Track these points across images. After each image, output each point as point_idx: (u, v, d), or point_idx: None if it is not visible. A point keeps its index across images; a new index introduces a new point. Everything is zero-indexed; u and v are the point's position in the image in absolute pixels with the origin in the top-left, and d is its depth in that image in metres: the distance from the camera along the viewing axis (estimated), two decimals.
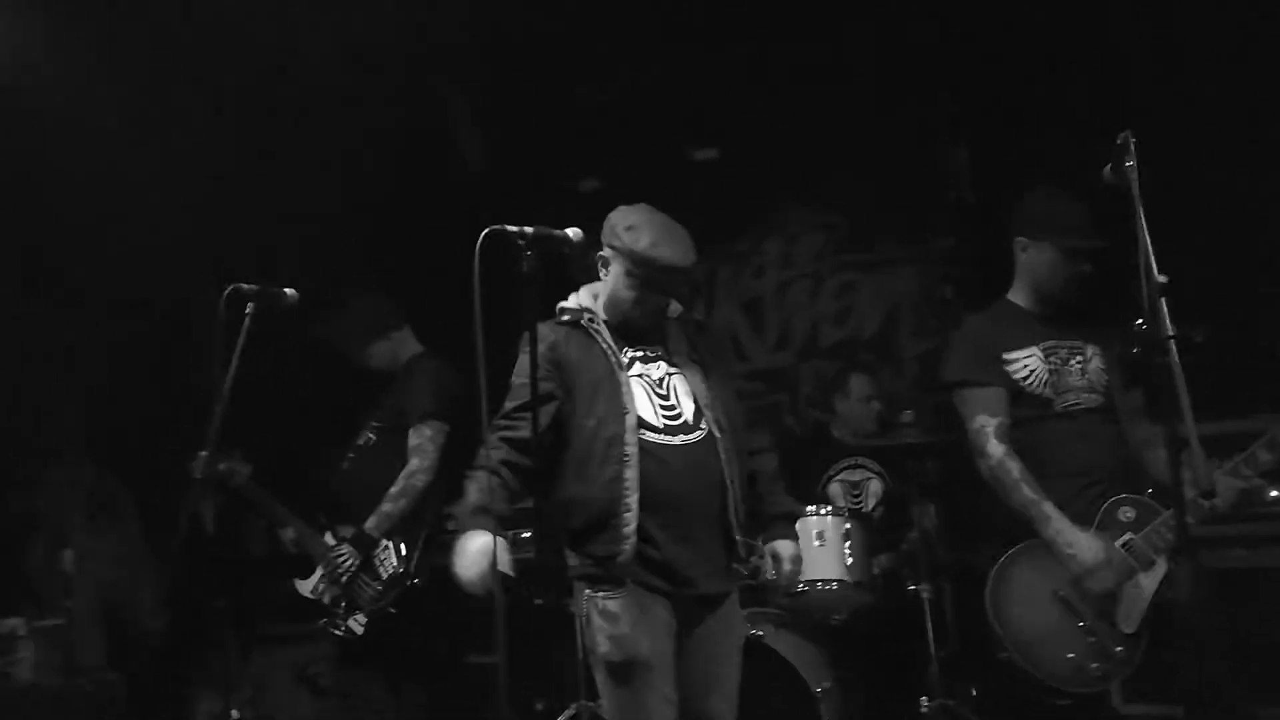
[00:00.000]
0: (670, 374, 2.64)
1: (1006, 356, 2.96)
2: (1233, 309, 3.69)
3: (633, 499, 2.44)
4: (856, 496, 4.16)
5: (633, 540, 2.44)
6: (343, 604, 3.64)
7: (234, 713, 3.84)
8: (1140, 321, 2.13)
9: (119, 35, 4.35)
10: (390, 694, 3.60)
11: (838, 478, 4.22)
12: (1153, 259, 2.18)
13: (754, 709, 3.27)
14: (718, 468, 2.53)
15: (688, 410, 2.59)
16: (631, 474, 2.44)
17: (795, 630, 3.52)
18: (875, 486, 4.16)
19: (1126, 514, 2.78)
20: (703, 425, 2.57)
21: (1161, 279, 2.16)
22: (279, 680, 4.51)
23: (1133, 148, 2.28)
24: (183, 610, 4.70)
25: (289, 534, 3.77)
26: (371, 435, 3.86)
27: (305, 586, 3.76)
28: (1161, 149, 2.51)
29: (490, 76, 5.19)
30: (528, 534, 4.06)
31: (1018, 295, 3.08)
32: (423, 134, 5.37)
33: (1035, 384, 2.93)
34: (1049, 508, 2.79)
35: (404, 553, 3.62)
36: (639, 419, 2.50)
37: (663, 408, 2.57)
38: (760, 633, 3.38)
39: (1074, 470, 2.86)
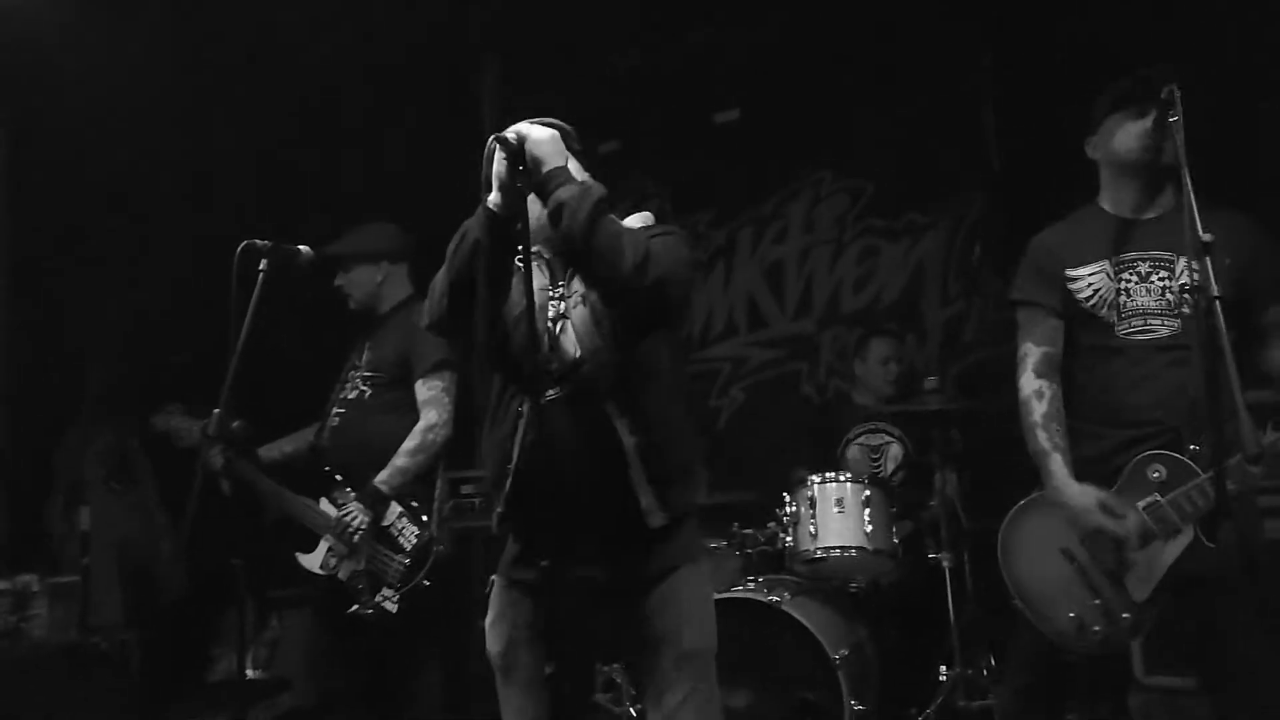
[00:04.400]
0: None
1: (1070, 274, 2.62)
2: None
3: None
4: (876, 461, 4.11)
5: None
6: (361, 581, 3.35)
7: (249, 671, 3.83)
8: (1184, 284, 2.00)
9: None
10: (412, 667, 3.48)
11: (856, 440, 4.17)
12: (1198, 217, 2.09)
13: (773, 675, 3.28)
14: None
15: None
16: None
17: (814, 596, 3.48)
18: (895, 451, 4.11)
19: (1156, 473, 2.46)
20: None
21: (1207, 237, 2.07)
22: (295, 640, 4.49)
23: (1179, 101, 2.18)
24: (199, 569, 4.71)
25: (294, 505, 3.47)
26: (365, 387, 3.54)
27: (312, 560, 3.45)
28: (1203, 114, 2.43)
29: (516, 40, 5.14)
30: None
31: (1104, 198, 2.70)
32: (446, 96, 5.32)
33: (1098, 305, 2.57)
34: (1055, 462, 2.54)
35: (424, 518, 3.39)
36: None
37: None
38: (778, 599, 3.34)
39: (1122, 420, 2.53)
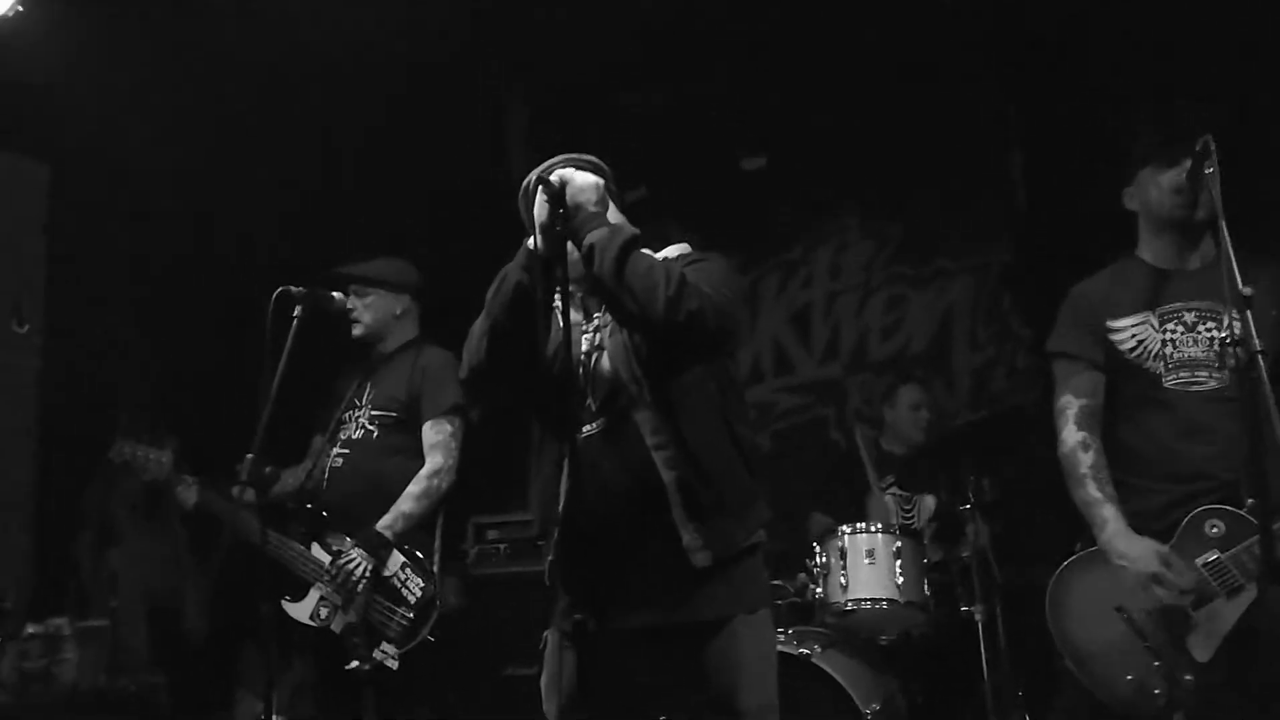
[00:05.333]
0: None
1: (1112, 324, 2.56)
2: None
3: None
4: (908, 512, 4.08)
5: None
6: (357, 634, 3.11)
7: (275, 716, 3.80)
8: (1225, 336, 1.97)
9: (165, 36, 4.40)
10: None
11: (889, 490, 4.13)
12: (1236, 269, 2.08)
13: None
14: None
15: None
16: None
17: (844, 649, 3.43)
18: (929, 502, 4.07)
19: (1214, 528, 2.38)
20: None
21: (1247, 291, 2.05)
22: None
23: (1214, 153, 2.18)
24: (226, 612, 4.71)
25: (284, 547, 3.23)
26: (371, 427, 3.36)
27: (300, 610, 3.18)
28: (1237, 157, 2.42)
29: (540, 86, 5.19)
30: None
31: (1143, 249, 2.65)
32: (473, 143, 5.38)
33: (1143, 356, 2.51)
34: (1109, 510, 2.45)
35: (426, 569, 3.22)
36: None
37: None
38: (808, 651, 3.30)
39: (1178, 475, 2.45)
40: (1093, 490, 2.50)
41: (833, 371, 5.39)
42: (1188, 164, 2.41)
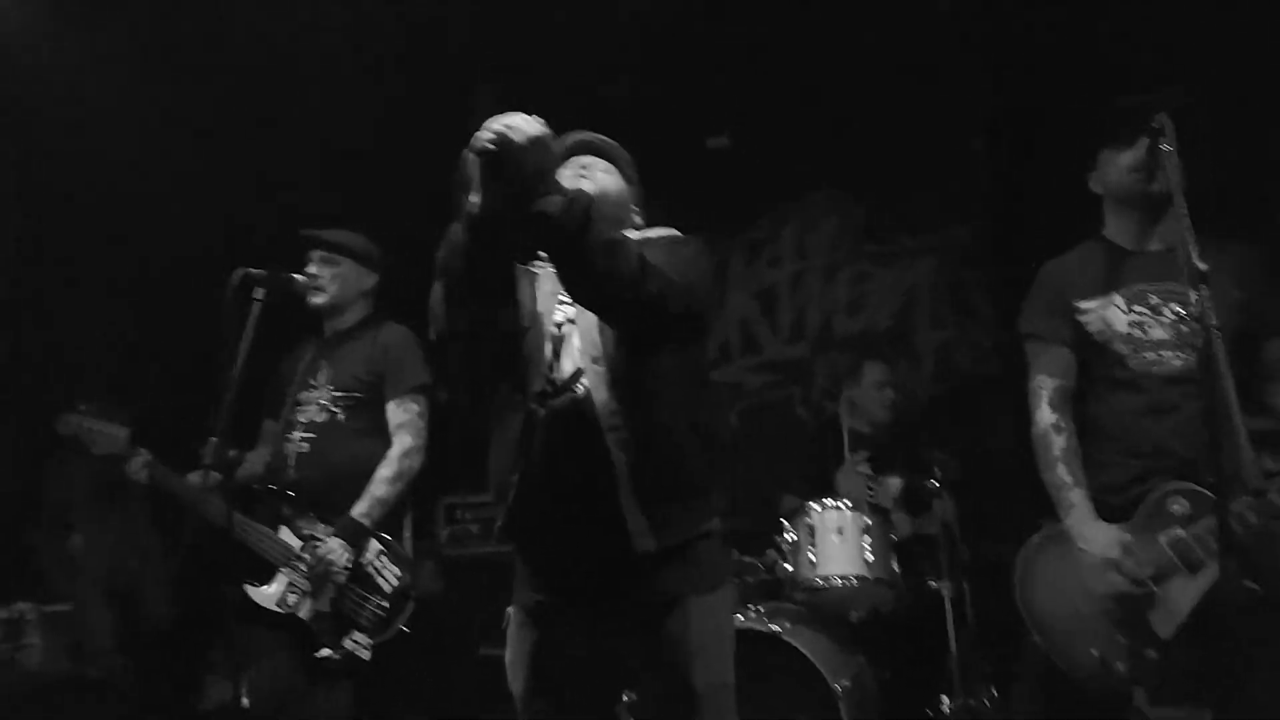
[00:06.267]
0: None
1: (1079, 305, 2.60)
2: None
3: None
4: (873, 492, 4.11)
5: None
6: (326, 623, 3.05)
7: (244, 700, 3.76)
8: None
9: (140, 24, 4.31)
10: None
11: (856, 469, 4.16)
12: (1193, 245, 2.10)
13: (773, 705, 3.26)
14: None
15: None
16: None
17: (813, 626, 3.47)
18: (894, 483, 4.10)
19: (1178, 506, 2.41)
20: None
21: (1202, 266, 2.06)
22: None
23: (1170, 131, 2.19)
24: (191, 596, 4.66)
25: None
26: (335, 409, 3.24)
27: (266, 597, 3.07)
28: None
29: (507, 68, 5.13)
30: None
31: (1110, 229, 2.69)
32: (440, 121, 5.31)
33: (1110, 337, 2.55)
34: (1076, 495, 2.50)
35: (403, 556, 3.18)
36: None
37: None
38: (778, 628, 3.33)
39: (1139, 450, 2.49)
40: (1063, 474, 2.54)
41: (799, 350, 5.42)
42: (1145, 142, 2.44)
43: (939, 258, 5.16)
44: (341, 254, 3.36)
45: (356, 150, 5.03)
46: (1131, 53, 4.17)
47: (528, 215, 1.80)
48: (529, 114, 1.83)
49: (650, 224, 2.36)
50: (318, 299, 3.33)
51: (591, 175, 2.21)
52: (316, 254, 3.36)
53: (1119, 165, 2.59)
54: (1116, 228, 2.68)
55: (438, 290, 1.97)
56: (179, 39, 4.39)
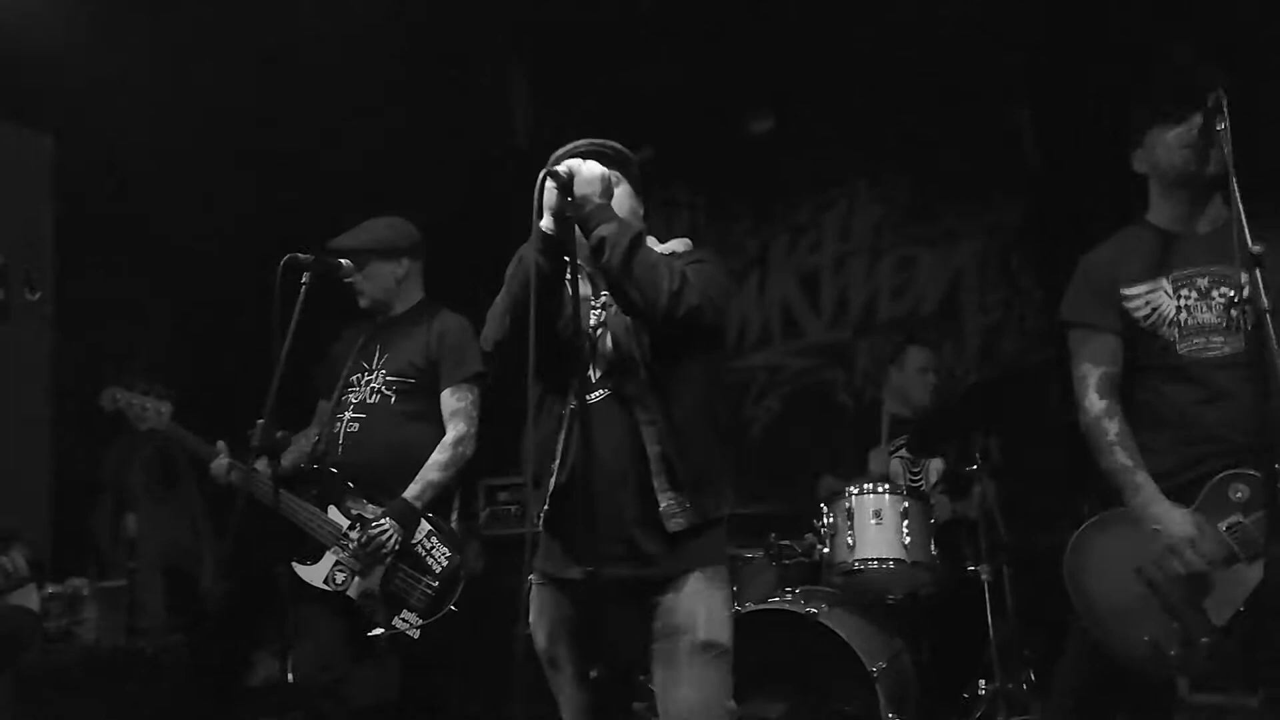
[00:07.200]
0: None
1: (1126, 292, 2.54)
2: None
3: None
4: (916, 474, 4.09)
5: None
6: (374, 602, 3.11)
7: (290, 676, 3.84)
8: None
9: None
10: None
11: (897, 454, 4.14)
12: (1246, 228, 2.05)
13: (810, 687, 3.28)
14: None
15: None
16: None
17: (851, 609, 3.47)
18: (936, 464, 4.08)
19: (1239, 493, 2.37)
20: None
21: (1257, 249, 2.01)
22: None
23: (1225, 108, 2.14)
24: (242, 575, 4.77)
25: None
26: (388, 393, 3.30)
27: (314, 574, 3.16)
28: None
29: (546, 50, 5.16)
30: None
31: (1154, 214, 2.63)
32: (476, 106, 5.35)
33: (1158, 323, 2.50)
34: (1141, 477, 2.44)
35: (453, 538, 3.23)
36: None
37: None
38: (815, 610, 3.33)
39: (1190, 437, 2.45)
40: (1122, 458, 2.49)
41: (842, 334, 5.39)
42: (1198, 120, 2.38)
43: (985, 240, 5.09)
44: (362, 257, 3.38)
45: (395, 130, 5.09)
46: (1183, 21, 4.07)
47: (589, 236, 2.18)
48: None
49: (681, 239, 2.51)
50: (363, 303, 3.44)
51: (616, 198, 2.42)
52: (344, 263, 3.35)
53: (1169, 144, 2.51)
54: (1162, 209, 2.61)
55: (501, 304, 2.29)
56: (223, 27, 4.47)
